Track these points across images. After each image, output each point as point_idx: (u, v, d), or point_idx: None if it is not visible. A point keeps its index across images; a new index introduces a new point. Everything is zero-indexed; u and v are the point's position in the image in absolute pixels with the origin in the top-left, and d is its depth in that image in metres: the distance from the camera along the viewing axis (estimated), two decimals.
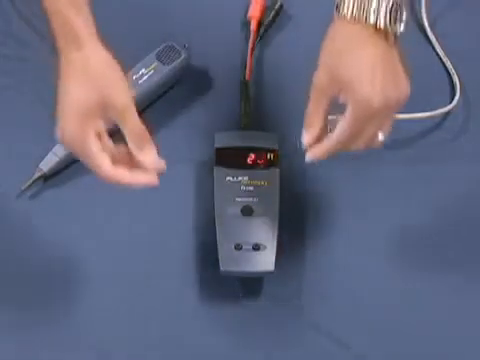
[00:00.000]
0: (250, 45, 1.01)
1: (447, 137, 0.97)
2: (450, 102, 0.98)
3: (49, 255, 0.88)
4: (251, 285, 0.86)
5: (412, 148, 0.96)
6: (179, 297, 0.86)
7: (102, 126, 0.77)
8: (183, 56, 0.98)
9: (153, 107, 0.96)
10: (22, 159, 0.93)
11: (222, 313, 0.85)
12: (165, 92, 0.98)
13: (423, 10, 1.04)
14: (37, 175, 0.91)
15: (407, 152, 0.96)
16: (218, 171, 0.87)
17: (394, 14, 0.78)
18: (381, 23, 0.78)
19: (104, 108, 0.76)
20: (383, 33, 0.79)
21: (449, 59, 1.02)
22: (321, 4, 1.04)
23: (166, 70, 0.96)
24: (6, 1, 1.05)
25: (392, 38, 0.79)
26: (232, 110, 0.97)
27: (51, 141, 0.92)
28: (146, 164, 0.77)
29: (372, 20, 0.78)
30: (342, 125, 0.78)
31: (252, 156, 0.89)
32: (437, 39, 1.03)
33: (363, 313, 0.86)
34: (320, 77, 0.79)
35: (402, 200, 0.92)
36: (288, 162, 0.90)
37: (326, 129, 0.80)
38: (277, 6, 1.05)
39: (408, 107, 0.95)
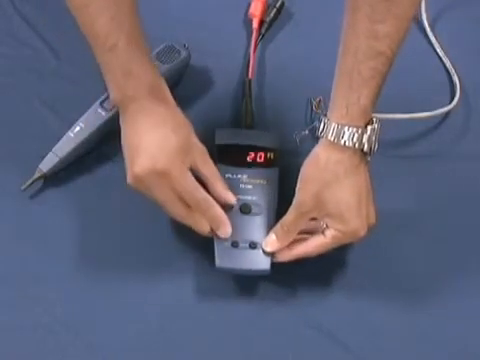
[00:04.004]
0: (253, 43, 1.01)
1: (447, 137, 0.97)
2: (450, 102, 0.98)
3: (49, 255, 0.88)
4: (248, 284, 0.86)
5: (412, 148, 0.96)
6: (175, 294, 0.86)
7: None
8: (183, 56, 0.98)
9: None
10: (22, 159, 0.93)
11: (219, 312, 0.85)
12: None
13: (423, 10, 1.04)
14: (37, 175, 0.91)
15: (407, 152, 0.96)
16: (218, 168, 0.87)
17: (377, 135, 0.81)
18: (367, 148, 0.80)
19: (189, 148, 0.82)
20: (368, 156, 0.81)
21: (449, 59, 1.02)
22: (322, 2, 1.05)
23: (166, 70, 0.96)
24: (6, 1, 1.05)
25: (370, 157, 0.82)
26: (232, 110, 0.97)
27: (51, 141, 0.92)
28: (230, 201, 0.84)
29: (366, 148, 0.80)
30: (321, 243, 0.82)
31: (252, 154, 0.89)
32: (437, 39, 1.03)
33: (363, 313, 0.86)
34: (306, 202, 0.82)
35: (402, 200, 0.92)
36: (288, 161, 0.90)
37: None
38: (278, 4, 1.05)
39: (408, 107, 0.96)
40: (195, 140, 0.84)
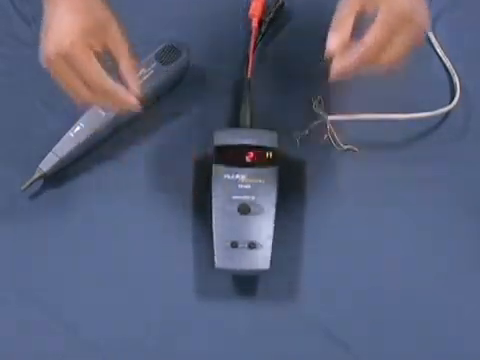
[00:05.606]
0: (252, 43, 1.01)
1: (447, 137, 0.97)
2: (450, 102, 0.98)
3: (48, 255, 0.88)
4: (248, 284, 0.86)
5: (412, 148, 0.96)
6: (175, 294, 0.86)
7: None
8: (183, 56, 0.98)
9: (153, 107, 0.96)
10: (22, 159, 0.93)
11: (219, 312, 0.85)
12: (165, 92, 0.98)
13: None
14: (37, 175, 0.91)
15: (407, 152, 0.96)
16: (216, 168, 0.87)
17: None
18: None
19: (100, 29, 0.81)
20: None
21: (449, 59, 1.02)
22: (322, 2, 1.05)
23: (166, 70, 0.96)
24: (6, 1, 1.05)
25: None
26: (232, 109, 0.97)
27: (51, 141, 0.93)
28: (133, 88, 0.83)
29: None
30: (372, 29, 0.79)
31: (251, 154, 0.89)
32: (437, 39, 1.03)
33: (363, 313, 0.86)
34: None
35: (401, 200, 0.92)
36: (287, 161, 0.90)
37: (352, 41, 0.80)
38: (278, 4, 1.05)
39: (408, 107, 0.96)
40: (109, 20, 0.83)
